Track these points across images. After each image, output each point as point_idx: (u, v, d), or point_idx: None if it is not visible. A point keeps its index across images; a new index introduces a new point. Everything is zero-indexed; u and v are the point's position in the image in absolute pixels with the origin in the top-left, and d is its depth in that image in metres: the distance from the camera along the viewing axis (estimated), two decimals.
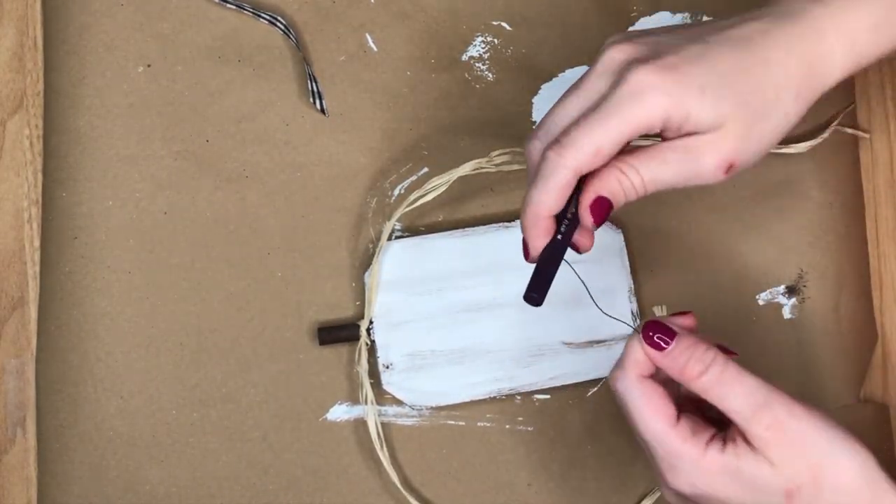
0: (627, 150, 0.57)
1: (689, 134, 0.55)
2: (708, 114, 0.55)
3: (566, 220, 0.58)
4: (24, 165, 0.74)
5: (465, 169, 0.71)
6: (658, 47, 0.56)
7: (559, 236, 0.58)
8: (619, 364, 0.58)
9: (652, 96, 0.54)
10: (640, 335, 0.58)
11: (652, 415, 0.56)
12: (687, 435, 0.56)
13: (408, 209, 0.72)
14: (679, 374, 0.57)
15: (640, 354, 0.58)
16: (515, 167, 0.72)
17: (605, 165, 0.56)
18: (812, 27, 0.56)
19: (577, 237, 0.58)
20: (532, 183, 0.56)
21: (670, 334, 0.57)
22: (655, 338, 0.57)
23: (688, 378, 0.56)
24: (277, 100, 0.73)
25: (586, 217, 0.57)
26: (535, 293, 0.57)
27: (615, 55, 0.56)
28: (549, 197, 0.56)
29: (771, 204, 0.72)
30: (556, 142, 0.55)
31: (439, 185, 0.72)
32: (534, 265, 0.58)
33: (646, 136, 0.58)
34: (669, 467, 0.56)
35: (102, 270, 0.71)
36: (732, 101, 0.55)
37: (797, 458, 0.55)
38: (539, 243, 0.58)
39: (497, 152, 0.71)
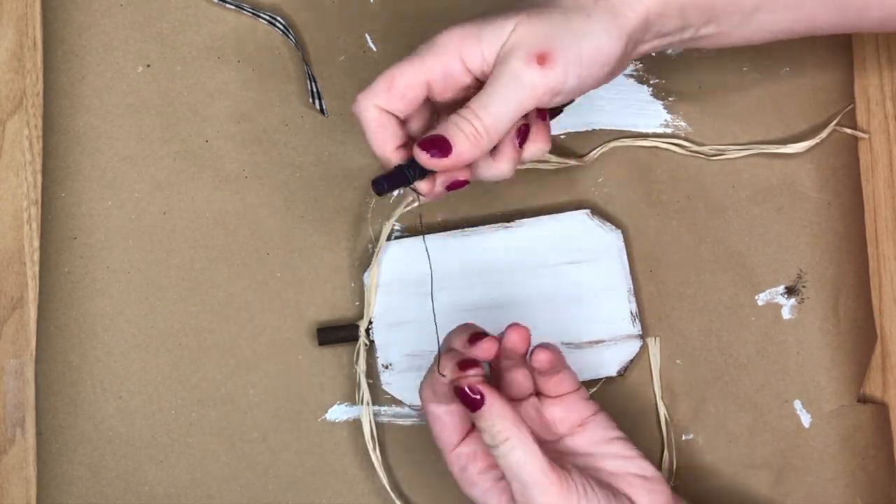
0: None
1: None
2: (495, 26, 0.58)
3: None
4: (23, 165, 0.74)
5: None
6: None
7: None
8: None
9: (440, 40, 0.59)
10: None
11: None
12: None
13: (407, 209, 0.72)
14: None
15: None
16: None
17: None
18: None
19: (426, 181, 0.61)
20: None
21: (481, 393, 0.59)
22: (470, 397, 0.59)
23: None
24: (277, 100, 0.73)
25: (417, 153, 0.58)
26: (384, 181, 0.59)
27: None
28: (374, 138, 0.60)
29: (770, 204, 0.72)
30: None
31: None
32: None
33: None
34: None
35: (102, 271, 0.71)
36: (516, 11, 0.58)
37: None
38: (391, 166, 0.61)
39: None
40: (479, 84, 0.59)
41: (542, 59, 0.57)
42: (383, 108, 0.59)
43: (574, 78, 0.58)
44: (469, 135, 0.58)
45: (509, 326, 0.60)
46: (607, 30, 0.58)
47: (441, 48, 0.58)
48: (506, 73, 0.57)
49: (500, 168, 0.60)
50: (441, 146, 0.58)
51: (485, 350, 0.59)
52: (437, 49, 0.59)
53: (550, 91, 0.58)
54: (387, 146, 0.60)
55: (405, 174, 0.59)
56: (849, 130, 0.73)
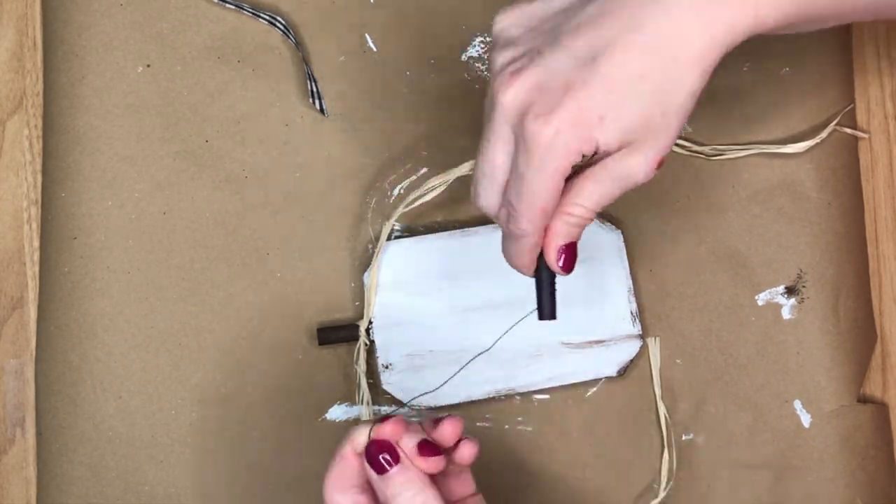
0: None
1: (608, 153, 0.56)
2: (614, 137, 0.54)
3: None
4: (23, 165, 0.74)
5: (465, 169, 0.71)
6: (548, 84, 0.55)
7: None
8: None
9: (558, 146, 0.54)
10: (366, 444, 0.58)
11: None
12: None
13: (407, 209, 0.72)
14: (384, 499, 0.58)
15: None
16: None
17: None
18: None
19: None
20: (506, 243, 0.59)
21: (395, 457, 0.58)
22: (381, 458, 0.58)
23: None
24: (277, 100, 0.73)
25: (559, 270, 0.59)
26: (547, 309, 0.61)
27: (508, 105, 0.55)
28: (527, 261, 0.59)
29: (770, 204, 0.72)
30: (509, 216, 0.57)
31: (438, 185, 0.72)
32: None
33: None
34: None
35: (101, 271, 0.71)
36: (636, 115, 0.54)
37: None
38: (530, 272, 0.60)
39: None
40: None
41: (661, 165, 0.56)
42: (541, 231, 0.58)
43: None
44: (583, 228, 0.58)
45: (445, 418, 0.59)
46: (703, 82, 0.56)
47: (562, 154, 0.55)
48: (624, 178, 0.56)
49: None
50: (573, 251, 0.58)
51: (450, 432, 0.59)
52: (559, 157, 0.55)
53: None
54: (531, 265, 0.60)
55: (551, 284, 0.61)
56: (849, 130, 0.73)
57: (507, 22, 0.57)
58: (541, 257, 0.59)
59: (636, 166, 0.56)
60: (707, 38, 0.53)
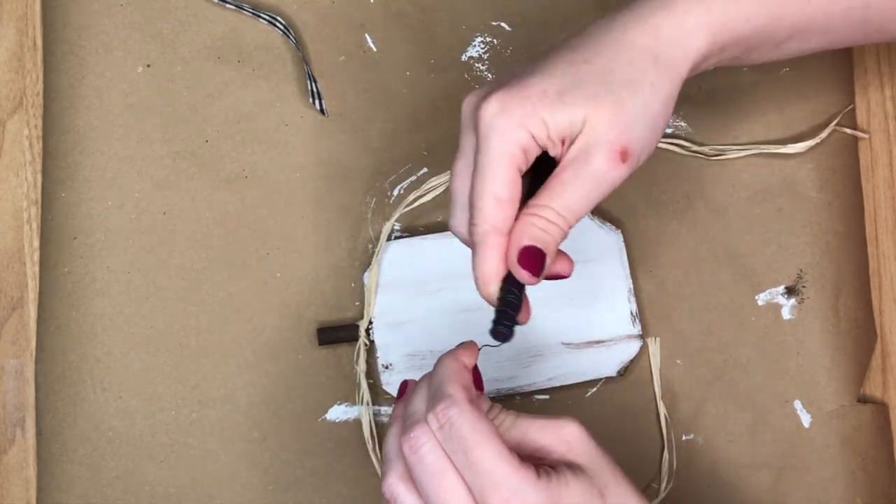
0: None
1: (571, 144, 0.55)
2: (563, 114, 0.54)
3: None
4: (23, 165, 0.74)
5: None
6: (500, 79, 0.56)
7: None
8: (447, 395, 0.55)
9: (502, 123, 0.54)
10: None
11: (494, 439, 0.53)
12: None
13: (407, 209, 0.72)
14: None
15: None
16: None
17: (517, 218, 0.55)
18: (654, 3, 0.55)
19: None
20: (472, 260, 0.56)
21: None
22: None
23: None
24: (277, 100, 0.73)
25: (520, 273, 0.55)
26: (502, 328, 0.56)
27: (467, 105, 0.56)
28: (489, 267, 0.55)
29: (770, 204, 0.72)
30: (470, 217, 0.56)
31: (439, 185, 0.72)
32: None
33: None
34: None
35: (101, 271, 0.71)
36: (583, 93, 0.54)
37: (603, 464, 0.56)
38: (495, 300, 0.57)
39: None
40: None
41: (624, 156, 0.54)
42: (501, 228, 0.55)
43: (644, 159, 0.56)
44: (558, 239, 0.55)
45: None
46: (669, 97, 0.55)
47: (507, 130, 0.54)
48: (588, 171, 0.54)
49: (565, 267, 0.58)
50: (537, 257, 0.54)
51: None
52: (504, 133, 0.54)
53: (624, 180, 0.55)
54: (495, 275, 0.55)
55: (513, 302, 0.56)
56: (849, 130, 0.73)
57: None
58: (507, 277, 0.56)
59: (597, 158, 0.54)
60: (651, 35, 0.55)
